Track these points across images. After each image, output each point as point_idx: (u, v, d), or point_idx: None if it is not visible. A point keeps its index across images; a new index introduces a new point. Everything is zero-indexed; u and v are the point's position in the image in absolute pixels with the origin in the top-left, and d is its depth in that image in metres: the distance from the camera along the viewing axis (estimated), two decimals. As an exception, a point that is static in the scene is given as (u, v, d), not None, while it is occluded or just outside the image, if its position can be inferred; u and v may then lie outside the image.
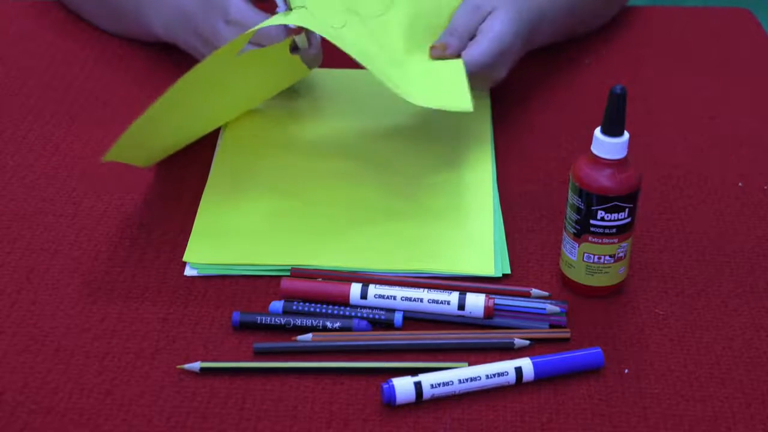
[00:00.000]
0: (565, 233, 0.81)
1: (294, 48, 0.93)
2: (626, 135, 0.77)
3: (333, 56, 1.11)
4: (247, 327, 0.78)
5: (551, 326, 0.79)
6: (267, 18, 0.92)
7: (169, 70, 1.08)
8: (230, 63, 0.86)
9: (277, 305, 0.79)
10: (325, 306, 0.80)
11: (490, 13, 0.96)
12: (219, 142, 0.98)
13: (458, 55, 0.95)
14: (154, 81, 1.06)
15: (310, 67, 0.94)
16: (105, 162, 0.95)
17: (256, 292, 0.82)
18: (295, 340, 0.77)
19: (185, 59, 1.10)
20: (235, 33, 0.93)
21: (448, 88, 0.90)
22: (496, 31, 0.95)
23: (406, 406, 0.73)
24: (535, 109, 1.04)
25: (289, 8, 0.92)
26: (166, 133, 0.88)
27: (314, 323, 0.78)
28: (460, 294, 0.79)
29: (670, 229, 0.90)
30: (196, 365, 0.75)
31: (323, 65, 1.10)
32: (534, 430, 0.72)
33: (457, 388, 0.73)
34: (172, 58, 1.10)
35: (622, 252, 0.80)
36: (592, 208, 0.78)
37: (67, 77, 1.07)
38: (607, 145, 0.77)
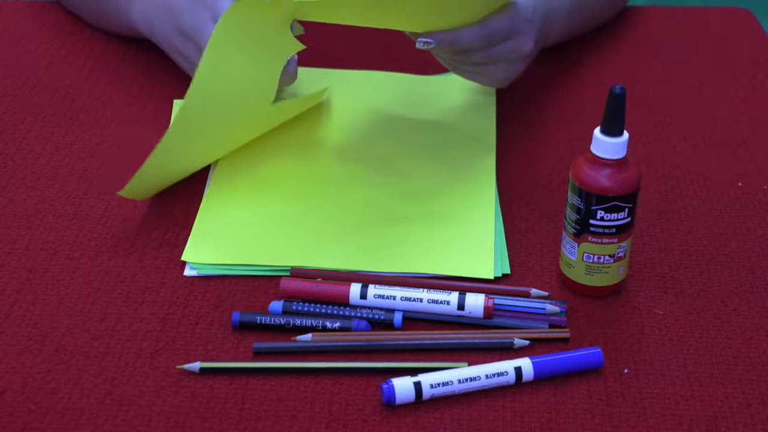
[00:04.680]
0: (564, 233, 0.81)
1: None
2: (626, 135, 0.77)
3: (334, 56, 1.11)
4: (246, 327, 0.78)
5: (551, 326, 0.79)
6: None
7: (171, 71, 1.08)
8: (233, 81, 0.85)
9: (276, 305, 0.79)
10: (324, 306, 0.80)
11: None
12: (219, 142, 0.98)
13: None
14: (155, 81, 1.06)
15: (285, 84, 0.94)
16: (105, 162, 0.95)
17: (255, 292, 0.82)
18: (295, 340, 0.77)
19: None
20: None
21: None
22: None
23: (406, 406, 0.73)
24: (535, 109, 1.04)
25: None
26: (180, 168, 0.88)
27: (314, 323, 0.78)
28: (459, 294, 0.79)
29: (670, 229, 0.90)
30: (196, 365, 0.75)
31: (324, 65, 1.10)
32: (534, 430, 0.72)
33: (457, 388, 0.73)
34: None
35: (622, 252, 0.80)
36: (592, 207, 0.78)
37: (67, 77, 1.07)
38: (606, 145, 0.77)
